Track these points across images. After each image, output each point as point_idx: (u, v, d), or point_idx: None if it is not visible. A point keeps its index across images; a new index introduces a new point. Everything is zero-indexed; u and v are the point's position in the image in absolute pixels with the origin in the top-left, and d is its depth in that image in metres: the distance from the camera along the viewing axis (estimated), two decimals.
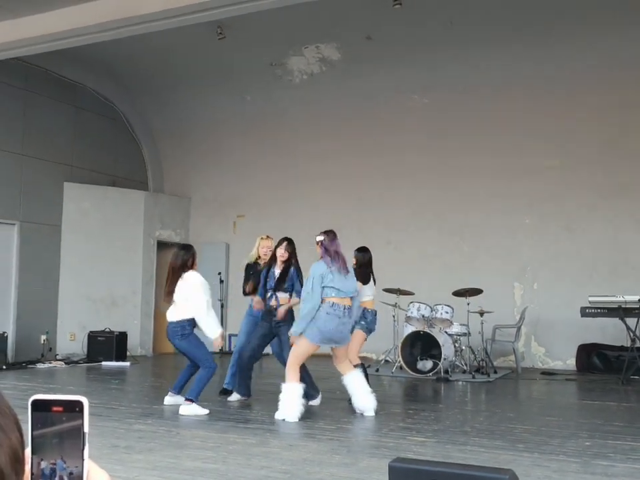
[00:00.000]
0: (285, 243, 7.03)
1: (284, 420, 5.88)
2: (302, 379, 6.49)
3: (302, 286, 6.64)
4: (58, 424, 0.86)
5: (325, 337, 6.00)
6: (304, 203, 12.57)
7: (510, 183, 11.08)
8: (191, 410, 6.17)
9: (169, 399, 6.66)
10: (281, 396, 6.02)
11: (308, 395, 6.60)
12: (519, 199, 11.04)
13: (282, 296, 6.96)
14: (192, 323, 6.49)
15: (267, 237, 7.72)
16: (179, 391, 6.69)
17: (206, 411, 6.22)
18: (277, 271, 7.01)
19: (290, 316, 6.93)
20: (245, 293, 7.60)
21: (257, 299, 7.09)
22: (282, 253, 6.98)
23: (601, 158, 10.54)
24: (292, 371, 6.11)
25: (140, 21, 8.12)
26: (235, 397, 7.09)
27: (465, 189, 11.37)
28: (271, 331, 6.96)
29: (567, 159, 10.77)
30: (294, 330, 6.10)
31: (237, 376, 7.11)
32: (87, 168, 12.31)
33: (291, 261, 7.00)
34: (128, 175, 13.22)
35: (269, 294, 6.97)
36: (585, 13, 9.71)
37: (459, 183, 11.42)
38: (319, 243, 6.26)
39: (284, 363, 6.53)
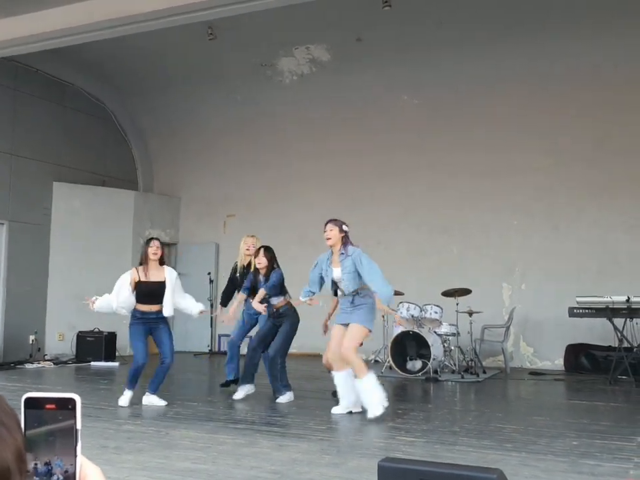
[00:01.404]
0: (260, 252, 7.13)
1: (374, 417, 5.82)
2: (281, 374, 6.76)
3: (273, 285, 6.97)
4: (51, 421, 0.87)
5: None
6: (294, 203, 12.58)
7: (499, 182, 11.13)
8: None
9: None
10: (363, 393, 5.99)
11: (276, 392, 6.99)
12: (507, 199, 11.08)
13: (275, 301, 7.10)
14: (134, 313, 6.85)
15: (252, 235, 7.98)
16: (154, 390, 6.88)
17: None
18: (263, 277, 7.12)
19: (290, 313, 7.08)
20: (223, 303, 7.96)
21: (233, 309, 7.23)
22: (258, 261, 7.09)
23: (590, 158, 10.59)
24: (358, 361, 6.09)
25: (131, 21, 8.11)
26: (242, 392, 7.13)
27: (454, 188, 11.41)
28: (276, 328, 7.14)
29: (555, 159, 10.82)
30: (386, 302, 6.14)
31: (245, 363, 7.21)
32: (77, 167, 12.26)
33: (273, 267, 7.11)
34: (117, 175, 13.19)
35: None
36: (576, 10, 9.76)
37: (448, 183, 11.46)
38: (346, 233, 6.26)
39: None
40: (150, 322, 6.82)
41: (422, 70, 11.34)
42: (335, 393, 6.66)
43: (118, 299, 6.77)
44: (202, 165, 13.54)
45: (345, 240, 6.28)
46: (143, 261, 6.88)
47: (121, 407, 6.65)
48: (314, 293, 6.54)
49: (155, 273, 6.81)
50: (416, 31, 10.50)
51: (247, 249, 7.87)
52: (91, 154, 12.63)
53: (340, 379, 6.30)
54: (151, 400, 6.78)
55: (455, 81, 11.25)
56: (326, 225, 6.34)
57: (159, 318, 6.83)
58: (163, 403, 6.77)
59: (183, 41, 10.83)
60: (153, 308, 6.81)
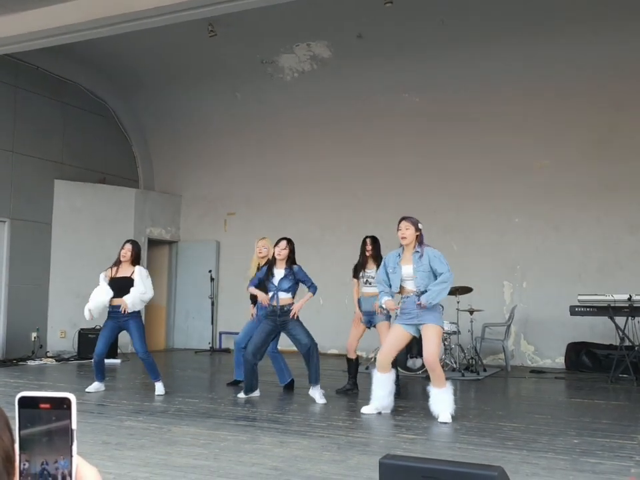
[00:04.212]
0: (283, 242, 7.03)
1: (445, 423, 5.73)
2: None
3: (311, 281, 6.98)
4: (46, 421, 0.86)
5: None
6: (294, 201, 12.59)
7: (500, 182, 11.13)
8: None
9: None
10: (438, 402, 5.88)
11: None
12: (508, 198, 11.09)
13: (283, 296, 6.98)
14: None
15: (264, 237, 8.04)
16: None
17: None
18: (278, 270, 7.00)
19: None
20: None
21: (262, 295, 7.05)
22: (279, 252, 6.98)
23: (591, 157, 10.60)
24: (440, 371, 5.95)
25: (132, 18, 8.11)
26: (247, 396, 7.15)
27: (455, 187, 11.41)
28: (276, 328, 7.00)
29: (556, 159, 10.83)
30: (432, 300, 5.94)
31: (244, 373, 7.17)
32: (78, 165, 12.27)
33: (293, 260, 7.02)
34: (118, 173, 13.19)
35: (270, 293, 6.98)
36: (577, 11, 9.76)
37: (449, 182, 11.46)
38: (421, 231, 6.17)
39: (305, 348, 6.76)
40: (119, 317, 7.26)
41: (423, 68, 11.33)
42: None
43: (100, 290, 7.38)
44: (203, 163, 13.55)
45: (420, 238, 6.16)
46: (117, 262, 7.55)
47: (87, 392, 7.22)
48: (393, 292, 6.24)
49: (124, 271, 7.42)
50: (417, 29, 10.50)
51: (260, 252, 7.84)
52: (91, 151, 12.64)
53: (382, 381, 6.18)
54: (156, 387, 7.27)
55: (456, 80, 11.25)
56: (400, 222, 6.16)
57: (126, 313, 7.24)
58: (160, 391, 7.19)
59: (184, 38, 10.83)
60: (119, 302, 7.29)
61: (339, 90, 12.02)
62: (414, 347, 9.32)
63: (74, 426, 0.86)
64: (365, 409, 6.22)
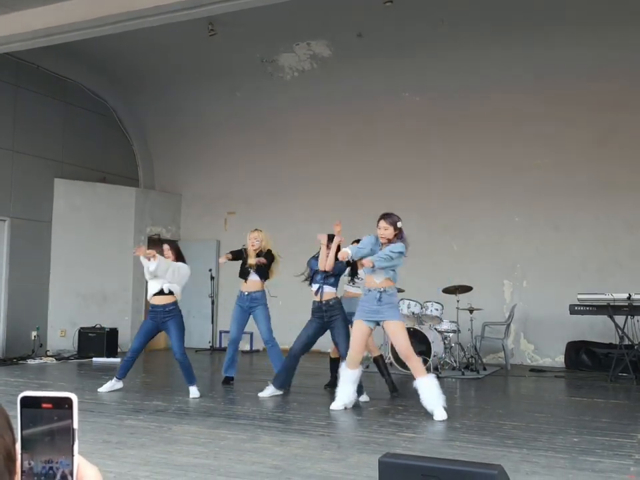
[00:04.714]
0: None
1: (442, 420, 5.79)
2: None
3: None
4: (47, 421, 0.86)
5: None
6: (294, 200, 12.59)
7: (500, 181, 11.14)
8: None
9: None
10: (425, 393, 5.96)
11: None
12: (508, 197, 11.09)
13: (328, 290, 6.96)
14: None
15: (256, 229, 8.05)
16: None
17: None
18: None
19: (340, 307, 6.98)
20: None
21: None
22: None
23: (590, 157, 10.59)
24: (416, 361, 6.10)
25: (132, 17, 8.11)
26: (269, 391, 7.08)
27: (455, 186, 11.41)
28: (323, 326, 7.00)
29: (555, 158, 10.82)
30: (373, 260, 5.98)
31: (283, 370, 7.13)
32: (78, 164, 12.27)
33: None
34: (118, 171, 13.19)
35: (316, 286, 6.95)
36: (574, 12, 9.76)
37: (449, 180, 11.46)
38: (400, 229, 6.21)
39: (343, 356, 6.63)
40: (158, 316, 7.10)
41: (423, 67, 11.33)
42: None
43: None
44: (203, 162, 13.55)
45: (400, 235, 6.21)
46: None
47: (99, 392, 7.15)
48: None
49: None
50: (417, 28, 10.50)
51: (252, 245, 7.86)
52: (92, 150, 12.63)
53: (350, 377, 6.25)
54: (191, 390, 7.09)
55: (457, 78, 11.25)
56: (379, 221, 6.21)
57: (166, 312, 7.05)
58: (195, 394, 7.00)
59: (184, 37, 10.83)
60: (161, 301, 7.08)
61: (339, 89, 12.01)
62: (414, 346, 9.33)
63: (75, 425, 0.87)
64: (333, 405, 6.27)
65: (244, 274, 7.87)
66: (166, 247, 7.43)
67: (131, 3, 7.91)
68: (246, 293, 7.81)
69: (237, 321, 7.86)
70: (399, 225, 6.19)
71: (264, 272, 7.86)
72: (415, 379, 6.07)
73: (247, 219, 12.62)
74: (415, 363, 6.05)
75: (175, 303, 7.15)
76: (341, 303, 7.06)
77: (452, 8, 10.01)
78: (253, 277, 7.81)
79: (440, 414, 5.87)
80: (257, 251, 7.82)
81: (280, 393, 7.12)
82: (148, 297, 7.28)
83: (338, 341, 6.89)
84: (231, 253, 8.13)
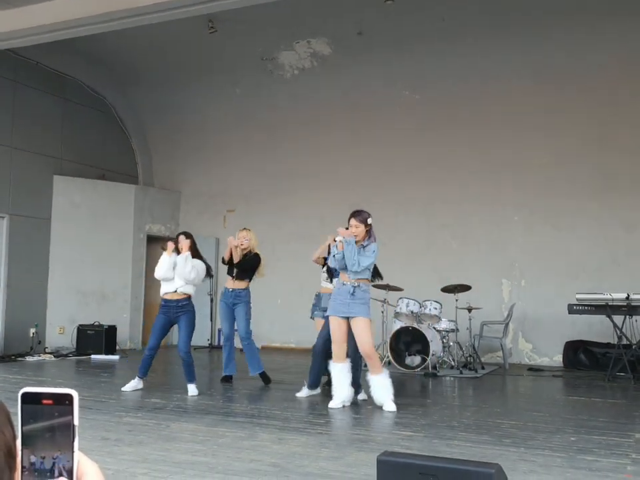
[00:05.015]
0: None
1: (392, 412, 6.03)
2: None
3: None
4: (48, 417, 0.87)
5: None
6: (294, 198, 12.59)
7: (499, 179, 11.15)
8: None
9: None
10: (377, 389, 6.17)
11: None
12: (507, 196, 11.10)
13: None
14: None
15: (244, 228, 8.22)
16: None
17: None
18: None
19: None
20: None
21: None
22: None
23: (590, 156, 10.61)
24: (376, 359, 6.29)
25: (132, 14, 8.13)
26: (304, 392, 7.07)
27: (454, 184, 11.42)
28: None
29: (556, 157, 10.83)
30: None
31: (310, 370, 7.14)
32: (77, 161, 12.27)
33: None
34: (117, 168, 13.20)
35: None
36: (581, 6, 9.75)
37: (448, 179, 11.47)
38: (371, 225, 6.30)
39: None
40: (171, 310, 7.08)
41: (424, 65, 11.34)
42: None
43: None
44: (202, 159, 13.54)
45: (370, 233, 6.29)
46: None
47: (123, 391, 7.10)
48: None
49: None
50: (417, 26, 10.50)
51: (241, 244, 7.92)
52: (90, 147, 12.64)
53: (341, 371, 6.33)
54: (189, 388, 7.06)
55: (457, 77, 11.25)
56: (350, 219, 6.32)
57: (179, 307, 7.03)
58: (193, 392, 6.97)
59: (184, 35, 10.84)
60: (174, 296, 7.06)
61: (339, 87, 12.02)
62: (413, 344, 9.35)
63: (76, 422, 0.88)
64: (331, 404, 6.31)
65: (230, 271, 7.92)
66: (182, 237, 7.32)
67: (132, 0, 7.91)
68: (230, 290, 7.90)
69: (226, 318, 7.93)
70: (369, 221, 6.31)
71: (249, 274, 7.92)
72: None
73: (246, 216, 12.62)
74: (374, 361, 6.27)
75: (189, 299, 7.13)
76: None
77: (451, 3, 10.01)
78: (239, 276, 7.88)
79: (389, 405, 6.13)
80: (246, 251, 7.87)
81: (315, 392, 7.15)
82: (161, 293, 7.20)
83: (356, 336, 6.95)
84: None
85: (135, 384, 7.20)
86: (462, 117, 11.41)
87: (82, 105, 12.57)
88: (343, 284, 6.32)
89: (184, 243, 7.20)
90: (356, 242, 6.26)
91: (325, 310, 7.45)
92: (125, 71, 12.74)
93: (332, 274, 7.59)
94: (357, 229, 6.24)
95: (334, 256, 6.31)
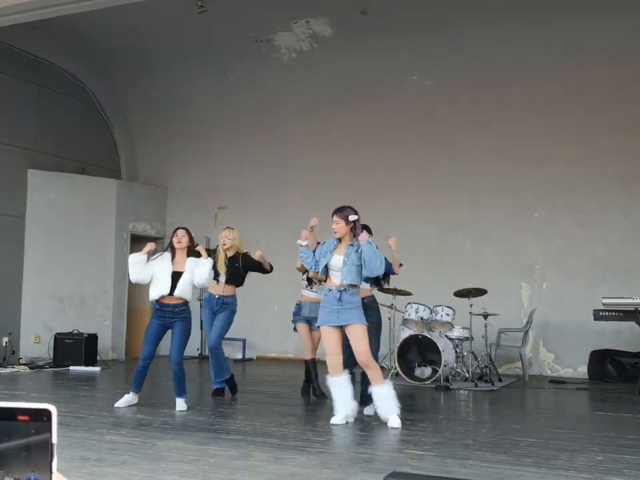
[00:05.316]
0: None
1: (395, 428, 6.01)
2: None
3: None
4: (24, 434, 0.86)
5: None
6: (292, 193, 12.60)
7: (517, 174, 11.14)
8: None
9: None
10: (380, 401, 6.16)
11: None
12: (527, 191, 11.10)
13: (363, 287, 7.19)
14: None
15: (227, 227, 8.12)
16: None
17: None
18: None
19: (375, 306, 7.13)
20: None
21: None
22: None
23: (615, 148, 10.60)
24: (376, 369, 6.28)
25: None
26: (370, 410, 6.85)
27: (468, 179, 11.42)
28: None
29: (578, 149, 10.83)
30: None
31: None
32: (54, 154, 12.28)
33: None
34: (98, 162, 13.20)
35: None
36: None
37: (461, 173, 11.47)
38: (354, 223, 6.31)
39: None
40: (166, 316, 6.95)
41: (434, 47, 11.33)
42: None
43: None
44: (191, 152, 13.55)
45: (355, 231, 6.31)
46: (172, 253, 7.08)
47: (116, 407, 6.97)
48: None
49: (179, 264, 6.98)
50: (427, 4, 10.49)
51: (224, 244, 7.87)
52: (69, 139, 12.64)
53: (340, 384, 6.31)
54: (177, 402, 7.00)
55: (471, 61, 11.25)
56: (332, 215, 6.39)
57: (176, 312, 6.93)
58: (182, 407, 6.92)
59: (171, 15, 10.84)
60: (171, 300, 6.94)
61: (341, 72, 12.02)
62: (423, 354, 9.35)
63: (54, 440, 0.87)
64: (334, 420, 6.27)
65: (216, 275, 7.76)
66: (181, 232, 7.06)
67: None
68: (216, 296, 7.83)
69: (211, 326, 7.88)
70: (351, 218, 6.29)
71: (240, 279, 7.90)
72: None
73: (239, 213, 12.63)
74: (373, 371, 6.25)
75: (186, 303, 6.99)
76: (376, 302, 7.23)
77: None
78: (227, 281, 7.82)
79: (394, 421, 6.09)
80: (231, 253, 7.84)
81: (368, 410, 7.11)
82: (154, 296, 7.01)
83: (371, 340, 6.90)
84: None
85: (129, 399, 7.08)
86: (477, 106, 11.40)
87: (60, 93, 12.57)
88: (329, 290, 6.33)
89: (201, 249, 7.06)
90: (340, 240, 6.32)
91: (307, 319, 7.69)
92: (107, 56, 12.74)
93: (312, 281, 7.71)
94: (337, 225, 6.30)
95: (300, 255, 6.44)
